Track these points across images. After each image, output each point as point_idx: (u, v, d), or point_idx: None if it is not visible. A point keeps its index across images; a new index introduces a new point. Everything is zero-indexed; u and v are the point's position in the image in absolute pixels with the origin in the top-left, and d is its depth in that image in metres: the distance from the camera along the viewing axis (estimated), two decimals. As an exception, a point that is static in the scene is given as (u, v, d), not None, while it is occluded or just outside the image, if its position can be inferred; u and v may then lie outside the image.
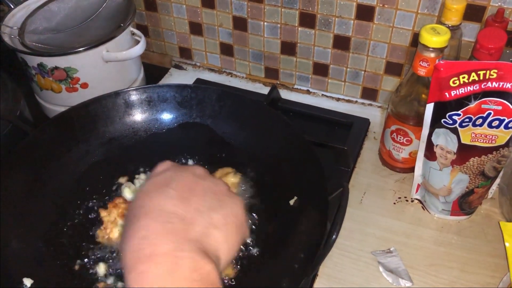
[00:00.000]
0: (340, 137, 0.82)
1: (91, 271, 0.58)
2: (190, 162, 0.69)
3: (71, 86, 0.83)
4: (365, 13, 0.79)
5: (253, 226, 0.62)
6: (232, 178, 0.64)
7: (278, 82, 0.95)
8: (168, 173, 0.44)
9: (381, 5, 0.77)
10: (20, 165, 0.61)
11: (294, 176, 0.62)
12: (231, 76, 0.98)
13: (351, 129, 0.83)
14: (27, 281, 0.53)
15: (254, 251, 0.60)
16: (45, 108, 0.90)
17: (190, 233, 0.38)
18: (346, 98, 0.92)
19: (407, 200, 0.75)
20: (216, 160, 0.69)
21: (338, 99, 0.92)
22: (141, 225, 0.38)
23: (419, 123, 0.68)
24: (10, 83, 0.76)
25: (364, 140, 0.84)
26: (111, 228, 0.59)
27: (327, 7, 0.81)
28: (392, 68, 0.84)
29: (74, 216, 0.63)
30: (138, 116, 0.71)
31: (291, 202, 0.61)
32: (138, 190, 0.43)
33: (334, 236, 0.45)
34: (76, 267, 0.58)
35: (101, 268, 0.58)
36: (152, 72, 0.99)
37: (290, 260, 0.54)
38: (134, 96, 0.70)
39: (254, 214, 0.63)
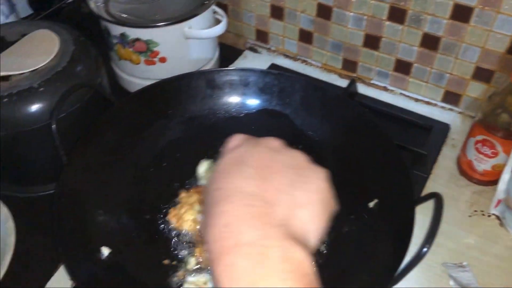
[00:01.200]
0: (418, 140, 0.79)
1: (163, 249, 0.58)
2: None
3: (150, 59, 0.84)
4: (461, 14, 0.75)
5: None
6: None
7: (355, 75, 0.92)
8: (242, 149, 0.40)
9: (481, 6, 0.73)
10: (103, 134, 0.62)
11: (377, 177, 0.60)
12: (306, 64, 0.96)
13: (431, 133, 0.80)
14: (105, 250, 0.54)
15: (322, 247, 0.59)
16: (120, 78, 0.91)
17: (275, 216, 0.35)
18: (426, 99, 0.88)
19: (483, 214, 0.71)
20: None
21: (416, 100, 0.89)
22: (222, 210, 0.35)
23: (509, 136, 0.65)
24: (93, 50, 0.77)
25: (442, 146, 0.80)
26: (186, 209, 0.59)
27: (420, 4, 0.77)
28: (481, 74, 0.80)
29: (152, 191, 0.63)
30: (219, 97, 0.70)
31: (371, 204, 0.59)
32: (214, 170, 0.40)
33: (425, 249, 0.43)
34: (151, 233, 0.59)
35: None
36: (226, 52, 0.98)
37: (362, 264, 0.52)
38: (217, 77, 0.69)
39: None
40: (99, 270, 0.52)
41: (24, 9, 1.02)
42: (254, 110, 0.70)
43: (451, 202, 0.73)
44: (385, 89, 0.91)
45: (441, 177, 0.76)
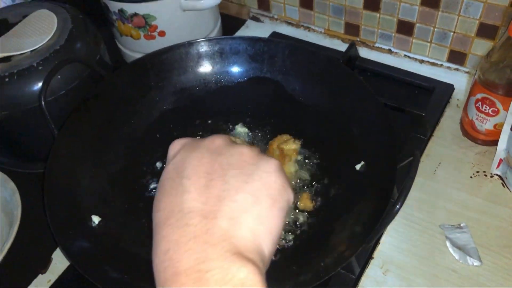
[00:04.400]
0: (419, 102, 0.77)
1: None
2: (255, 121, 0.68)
3: (149, 33, 0.85)
4: (461, -33, 0.72)
5: (314, 186, 0.61)
6: (292, 145, 0.63)
7: (358, 39, 0.91)
8: (179, 158, 0.38)
9: (480, -42, 0.69)
10: (95, 108, 0.64)
11: (364, 140, 0.59)
12: (309, 31, 0.95)
13: (433, 95, 0.78)
14: (95, 218, 0.56)
15: (321, 214, 0.59)
16: (125, 54, 0.92)
17: (215, 232, 0.32)
18: (431, 60, 0.86)
19: (486, 175, 0.69)
20: (283, 117, 0.68)
21: (421, 61, 0.86)
22: (162, 236, 0.33)
23: (509, 93, 0.62)
24: (92, 27, 0.78)
25: (446, 107, 0.78)
26: None
27: (419, -41, 0.74)
28: (486, 31, 0.77)
29: (144, 161, 0.65)
30: (210, 67, 0.70)
31: (358, 167, 0.59)
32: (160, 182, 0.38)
33: (398, 207, 0.42)
34: (141, 204, 0.60)
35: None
36: (229, 23, 0.97)
37: (349, 226, 0.52)
38: (207, 47, 0.70)
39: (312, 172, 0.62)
40: (90, 238, 0.54)
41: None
42: (245, 79, 0.70)
43: (452, 163, 0.71)
44: (389, 52, 0.89)
45: (444, 139, 0.74)
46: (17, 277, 0.64)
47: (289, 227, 0.57)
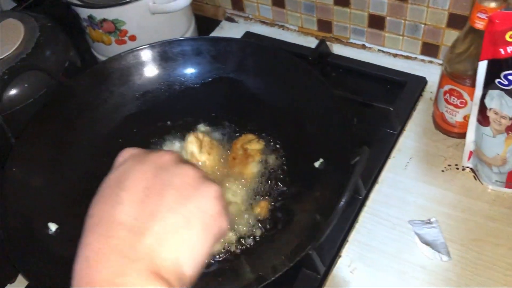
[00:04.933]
0: (391, 97, 0.76)
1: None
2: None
3: (120, 38, 0.84)
4: (425, -42, 0.71)
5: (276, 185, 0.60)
6: (256, 145, 0.62)
7: (332, 36, 0.89)
8: (123, 168, 0.37)
9: None
10: (54, 115, 0.63)
11: (322, 137, 0.59)
12: (283, 29, 0.94)
13: (404, 88, 0.77)
14: (52, 226, 0.56)
15: (279, 214, 0.58)
16: (100, 60, 0.92)
17: (138, 248, 0.32)
18: (405, 54, 0.84)
19: (457, 168, 0.68)
20: (247, 116, 0.67)
21: (395, 55, 0.85)
22: (86, 243, 0.33)
23: (475, 83, 0.61)
24: (61, 35, 0.78)
25: (418, 100, 0.77)
26: None
27: (383, -48, 0.73)
28: (456, 21, 0.75)
29: (107, 167, 0.64)
30: (173, 69, 0.70)
31: (316, 164, 0.58)
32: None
33: (341, 203, 0.42)
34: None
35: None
36: (205, 24, 0.97)
37: (305, 225, 0.51)
38: (169, 49, 0.69)
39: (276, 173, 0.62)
40: (46, 246, 0.53)
41: (8, 3, 1.04)
42: (209, 79, 0.70)
43: (424, 157, 0.70)
44: (363, 47, 0.87)
45: (416, 133, 0.73)
46: (-15, 288, 0.64)
47: (248, 228, 0.57)
